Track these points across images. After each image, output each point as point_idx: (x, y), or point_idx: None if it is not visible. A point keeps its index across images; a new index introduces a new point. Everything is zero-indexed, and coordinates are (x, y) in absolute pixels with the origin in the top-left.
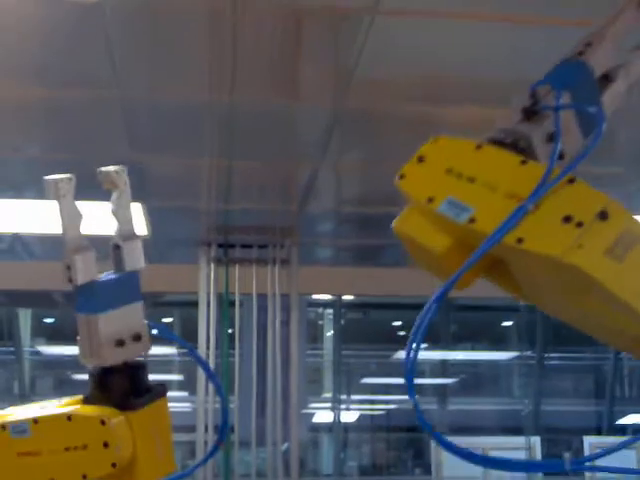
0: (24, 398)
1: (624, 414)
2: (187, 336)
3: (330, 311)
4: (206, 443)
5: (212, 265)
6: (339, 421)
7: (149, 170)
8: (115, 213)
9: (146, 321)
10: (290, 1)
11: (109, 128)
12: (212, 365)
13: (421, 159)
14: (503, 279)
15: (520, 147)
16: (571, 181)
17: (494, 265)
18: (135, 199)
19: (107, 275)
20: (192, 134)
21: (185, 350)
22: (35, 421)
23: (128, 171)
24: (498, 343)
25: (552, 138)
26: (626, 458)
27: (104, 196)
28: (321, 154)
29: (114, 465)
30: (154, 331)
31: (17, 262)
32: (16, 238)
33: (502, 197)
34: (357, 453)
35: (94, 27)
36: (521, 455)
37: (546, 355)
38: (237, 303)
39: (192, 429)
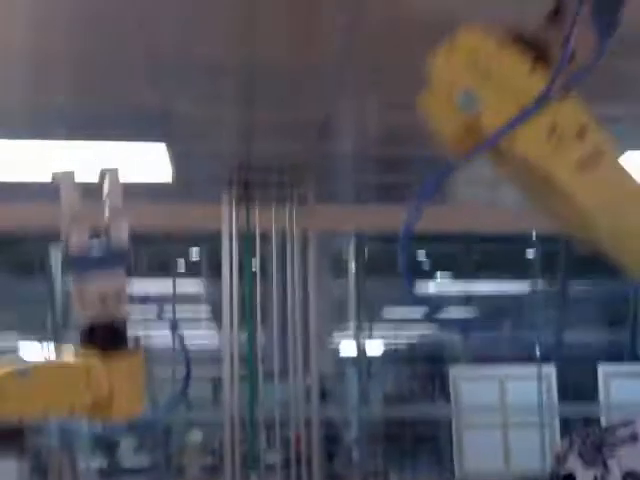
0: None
1: None
2: (213, 269)
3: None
4: (232, 376)
5: (233, 204)
6: (363, 353)
7: (174, 113)
8: (108, 196)
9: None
10: None
11: (137, 76)
12: (235, 297)
13: (452, 48)
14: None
15: (540, 47)
16: (566, 93)
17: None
18: (160, 140)
19: (97, 246)
20: (215, 82)
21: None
22: (35, 366)
23: (153, 115)
24: (520, 274)
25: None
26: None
27: (130, 136)
28: (335, 96)
29: (94, 400)
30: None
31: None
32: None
33: (510, 96)
34: (381, 384)
35: None
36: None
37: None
38: (257, 239)
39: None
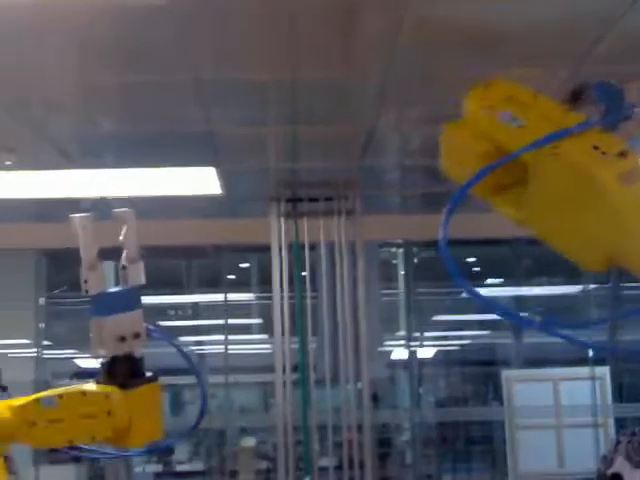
0: None
1: None
2: (264, 280)
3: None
4: (284, 383)
5: (282, 218)
6: (414, 357)
7: (222, 137)
8: (124, 242)
9: (145, 324)
10: None
11: (184, 101)
12: (287, 307)
13: (487, 86)
14: (509, 201)
15: None
16: (605, 130)
17: (508, 186)
18: (209, 164)
19: (115, 288)
20: (259, 102)
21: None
22: (60, 396)
23: (205, 139)
24: (572, 276)
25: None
26: None
27: (180, 162)
28: (377, 112)
29: (114, 429)
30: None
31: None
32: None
33: (550, 123)
34: (433, 388)
35: (166, 23)
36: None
37: (621, 285)
38: (307, 251)
39: (271, 369)
